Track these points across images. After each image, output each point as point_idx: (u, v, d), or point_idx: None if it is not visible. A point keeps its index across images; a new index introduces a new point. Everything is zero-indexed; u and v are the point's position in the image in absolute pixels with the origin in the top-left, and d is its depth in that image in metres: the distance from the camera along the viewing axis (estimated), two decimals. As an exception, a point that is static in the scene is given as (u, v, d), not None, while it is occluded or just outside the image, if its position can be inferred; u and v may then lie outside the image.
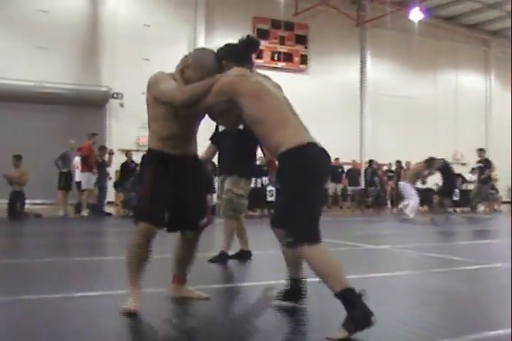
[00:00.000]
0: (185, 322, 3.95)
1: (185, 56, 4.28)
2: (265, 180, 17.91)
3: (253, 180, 17.12)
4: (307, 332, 3.69)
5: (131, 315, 3.91)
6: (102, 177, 16.78)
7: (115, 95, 21.23)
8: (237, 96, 3.81)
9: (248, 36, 4.20)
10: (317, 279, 3.66)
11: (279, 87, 4.19)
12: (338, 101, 25.84)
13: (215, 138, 7.05)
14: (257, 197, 16.82)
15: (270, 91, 3.91)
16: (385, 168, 23.25)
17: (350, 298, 3.50)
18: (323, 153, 3.89)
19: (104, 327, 3.74)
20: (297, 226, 3.67)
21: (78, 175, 16.57)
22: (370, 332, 3.41)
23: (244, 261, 6.88)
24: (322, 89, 25.31)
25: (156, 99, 4.11)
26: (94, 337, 3.49)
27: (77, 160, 16.49)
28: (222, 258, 6.71)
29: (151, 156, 4.26)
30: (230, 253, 6.85)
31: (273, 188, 17.69)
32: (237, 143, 6.66)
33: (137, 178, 4.38)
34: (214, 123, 6.72)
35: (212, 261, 6.63)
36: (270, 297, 4.39)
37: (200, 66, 4.11)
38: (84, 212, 16.16)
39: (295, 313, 4.16)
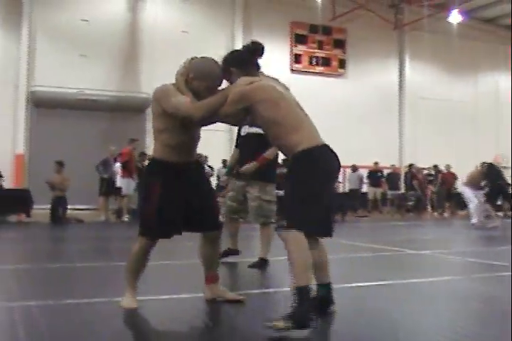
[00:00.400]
0: (222, 326, 3.99)
1: (184, 64, 4.46)
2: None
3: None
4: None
5: (132, 312, 4.24)
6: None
7: (155, 101, 21.41)
8: (253, 103, 3.97)
9: (253, 42, 4.38)
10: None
11: (287, 89, 4.33)
12: (377, 105, 25.70)
13: (238, 141, 7.11)
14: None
15: (284, 96, 4.09)
16: (426, 172, 23.08)
17: (303, 297, 3.59)
18: (334, 155, 4.08)
19: (145, 330, 3.81)
20: (299, 214, 3.79)
21: (119, 181, 16.72)
22: (409, 337, 3.41)
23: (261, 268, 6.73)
24: (361, 93, 25.20)
25: (166, 111, 4.21)
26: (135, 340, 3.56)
27: (117, 166, 16.66)
28: (261, 264, 6.75)
29: (156, 167, 4.40)
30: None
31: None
32: (260, 148, 6.65)
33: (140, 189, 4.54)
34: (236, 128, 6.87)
35: (252, 266, 6.69)
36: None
37: (205, 76, 4.28)
38: (125, 218, 16.29)
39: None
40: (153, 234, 4.34)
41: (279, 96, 4.04)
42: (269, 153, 6.67)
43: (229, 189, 7.19)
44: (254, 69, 4.30)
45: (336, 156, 4.10)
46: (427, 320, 4.01)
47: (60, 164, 16.03)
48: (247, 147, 6.91)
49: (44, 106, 20.38)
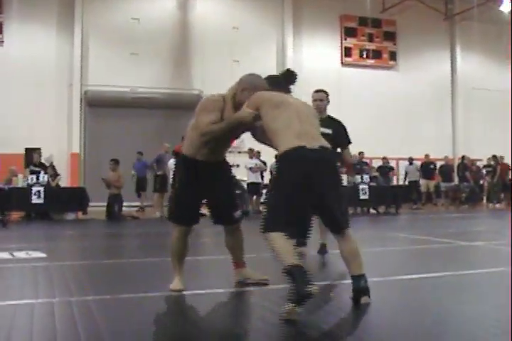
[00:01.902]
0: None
1: (240, 80, 4.81)
2: (358, 178, 17.80)
3: (345, 177, 17.19)
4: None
5: (180, 292, 4.71)
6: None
7: (207, 98, 21.55)
8: (259, 107, 4.38)
9: (288, 70, 4.91)
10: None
11: (306, 106, 4.66)
12: (429, 96, 25.43)
13: None
14: (350, 195, 16.76)
15: (283, 103, 4.38)
16: (484, 163, 22.76)
17: (292, 274, 3.81)
18: (318, 157, 4.18)
19: (197, 323, 3.88)
20: (266, 215, 4.15)
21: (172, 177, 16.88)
22: (462, 326, 3.41)
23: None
24: (412, 85, 24.97)
25: None
26: (191, 334, 3.62)
27: (171, 162, 16.79)
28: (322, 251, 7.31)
29: (183, 162, 4.89)
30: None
31: (366, 186, 17.60)
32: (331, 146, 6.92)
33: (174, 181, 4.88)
34: None
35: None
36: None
37: (254, 86, 4.64)
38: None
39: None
40: (177, 220, 4.99)
41: (278, 101, 4.37)
42: (349, 159, 7.54)
43: None
44: (283, 91, 4.67)
45: (325, 157, 4.25)
46: (479, 311, 3.98)
47: (116, 162, 16.24)
48: None
49: (98, 106, 20.72)
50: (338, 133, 7.19)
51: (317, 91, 7.42)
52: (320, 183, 4.13)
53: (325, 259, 7.10)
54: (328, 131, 6.93)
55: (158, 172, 16.77)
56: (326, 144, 4.31)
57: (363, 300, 4.26)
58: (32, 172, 16.19)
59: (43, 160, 16.90)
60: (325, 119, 7.13)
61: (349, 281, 4.34)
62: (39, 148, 17.38)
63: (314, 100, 7.31)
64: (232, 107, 4.65)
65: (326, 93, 7.39)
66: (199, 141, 4.69)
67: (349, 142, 7.40)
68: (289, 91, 4.74)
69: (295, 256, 3.95)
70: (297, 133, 4.20)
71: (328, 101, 7.43)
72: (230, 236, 5.14)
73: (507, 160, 22.12)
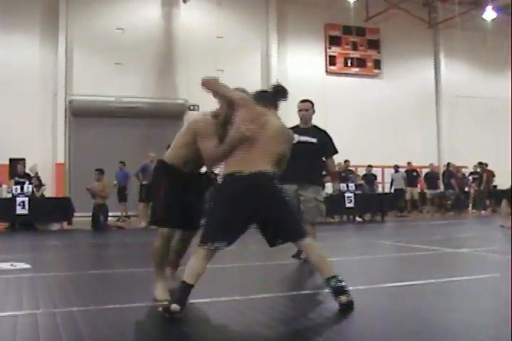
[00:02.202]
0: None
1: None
2: (343, 186, 17.85)
3: (330, 186, 17.21)
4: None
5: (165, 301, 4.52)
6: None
7: (192, 107, 21.56)
8: (239, 106, 4.75)
9: (278, 85, 5.00)
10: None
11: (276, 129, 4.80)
12: (414, 104, 25.56)
13: None
14: (336, 203, 16.81)
15: (253, 121, 4.65)
16: (470, 170, 22.90)
17: (182, 292, 4.20)
18: (254, 183, 4.47)
19: (189, 333, 3.86)
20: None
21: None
22: (449, 332, 3.40)
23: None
24: (397, 93, 25.11)
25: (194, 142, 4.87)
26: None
27: (156, 172, 16.77)
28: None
29: (166, 169, 5.11)
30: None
31: (351, 195, 17.65)
32: (312, 155, 7.34)
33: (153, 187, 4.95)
34: None
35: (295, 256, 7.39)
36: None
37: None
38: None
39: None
40: (160, 222, 5.10)
41: (253, 118, 4.66)
42: (333, 165, 7.76)
43: None
44: (271, 106, 4.88)
45: (260, 184, 4.49)
46: (467, 318, 3.99)
47: (101, 172, 16.20)
48: (298, 154, 7.01)
49: (82, 115, 20.68)
50: (324, 143, 7.36)
51: (302, 101, 7.53)
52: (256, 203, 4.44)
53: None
54: (314, 140, 7.24)
55: (144, 182, 16.71)
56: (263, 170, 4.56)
57: (344, 299, 4.34)
58: (16, 183, 16.12)
59: (27, 171, 16.84)
60: (310, 129, 7.38)
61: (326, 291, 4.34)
62: (23, 159, 17.32)
63: (299, 110, 7.47)
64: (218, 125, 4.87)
65: (312, 103, 7.49)
66: (187, 157, 5.00)
67: (335, 151, 7.55)
68: (275, 107, 4.89)
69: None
70: (243, 158, 4.56)
71: (314, 111, 7.53)
72: (182, 242, 5.30)
73: (495, 167, 22.25)
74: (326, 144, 7.42)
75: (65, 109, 20.70)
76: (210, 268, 4.55)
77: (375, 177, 21.06)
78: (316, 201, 7.35)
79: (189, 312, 4.53)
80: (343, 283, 4.42)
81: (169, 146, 5.36)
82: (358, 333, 3.86)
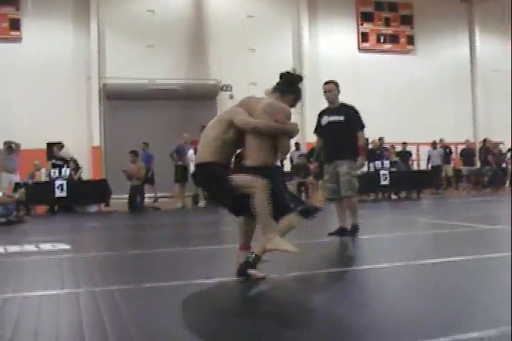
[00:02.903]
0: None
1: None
2: (378, 164, 17.76)
3: (366, 164, 17.25)
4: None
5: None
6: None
7: (224, 87, 21.60)
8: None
9: (286, 72, 5.19)
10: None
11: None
12: (448, 80, 25.25)
13: (319, 130, 7.96)
14: (371, 181, 16.77)
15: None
16: (508, 146, 22.59)
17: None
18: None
19: (226, 313, 3.92)
20: None
21: (192, 167, 16.95)
22: (486, 309, 3.40)
23: (351, 235, 7.57)
24: (431, 69, 24.83)
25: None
26: (216, 322, 3.67)
27: (191, 152, 16.84)
28: (355, 231, 7.63)
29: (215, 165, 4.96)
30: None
31: (386, 172, 17.57)
32: (343, 132, 7.60)
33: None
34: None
35: (331, 234, 7.56)
36: None
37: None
38: (201, 204, 16.50)
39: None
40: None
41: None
42: (362, 140, 7.68)
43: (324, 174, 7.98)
44: (277, 92, 5.16)
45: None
46: (502, 294, 3.98)
47: (135, 154, 16.33)
48: (331, 134, 7.74)
49: (116, 98, 20.83)
50: (351, 119, 7.60)
51: (326, 83, 7.81)
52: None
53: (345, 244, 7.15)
54: (341, 118, 7.56)
55: (178, 163, 16.80)
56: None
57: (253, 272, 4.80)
58: (54, 166, 16.34)
59: (62, 155, 17.03)
60: (338, 108, 7.68)
61: (364, 267, 4.34)
62: (60, 143, 17.50)
63: (324, 92, 7.75)
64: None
65: (335, 83, 7.73)
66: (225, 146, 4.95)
67: (362, 126, 7.71)
68: (282, 93, 5.11)
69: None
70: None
71: (339, 91, 7.76)
72: (250, 221, 5.15)
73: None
74: (353, 120, 7.64)
75: (99, 93, 20.88)
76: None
77: (410, 154, 20.88)
78: (349, 175, 7.56)
79: (226, 289, 4.60)
80: (255, 259, 4.77)
81: (203, 126, 5.38)
82: (392, 309, 3.87)
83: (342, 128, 7.57)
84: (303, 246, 7.36)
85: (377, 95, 23.22)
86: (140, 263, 6.33)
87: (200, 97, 21.41)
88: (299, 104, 5.45)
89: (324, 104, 7.84)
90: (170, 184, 17.40)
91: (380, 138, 19.16)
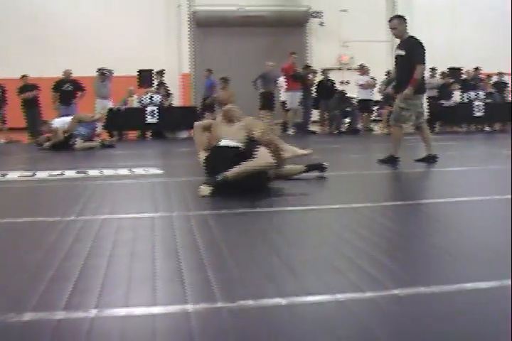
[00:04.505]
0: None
1: None
2: (472, 94, 17.27)
3: (459, 94, 16.84)
4: None
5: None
6: (307, 96, 16.91)
7: (314, 14, 21.20)
8: None
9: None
10: None
11: None
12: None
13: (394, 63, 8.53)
14: (464, 112, 16.40)
15: None
16: None
17: None
18: None
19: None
20: None
21: (283, 95, 16.89)
22: None
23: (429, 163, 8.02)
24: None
25: None
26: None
27: (281, 80, 16.74)
28: (391, 161, 8.06)
29: None
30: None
31: (481, 103, 17.10)
32: (404, 65, 8.02)
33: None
34: None
35: (382, 161, 8.09)
36: None
37: None
38: (290, 131, 16.49)
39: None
40: None
41: None
42: (417, 73, 7.82)
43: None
44: None
45: None
46: None
47: (225, 80, 16.37)
48: (396, 67, 8.44)
49: (206, 26, 20.79)
50: (411, 53, 7.88)
51: (390, 20, 8.20)
52: None
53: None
54: (402, 52, 7.96)
55: (260, 90, 16.63)
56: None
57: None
58: (146, 93, 16.65)
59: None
60: (403, 42, 8.09)
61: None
62: (151, 70, 17.69)
63: (390, 29, 8.19)
64: None
65: (398, 19, 8.09)
66: None
67: (419, 61, 7.90)
68: None
69: None
70: None
71: (404, 26, 8.05)
72: None
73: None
74: (412, 54, 7.87)
75: (189, 20, 20.87)
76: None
77: (505, 84, 20.10)
78: (397, 106, 8.08)
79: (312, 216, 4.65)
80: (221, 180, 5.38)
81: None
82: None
83: (403, 61, 7.99)
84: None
85: (474, 25, 22.25)
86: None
87: (289, 24, 21.13)
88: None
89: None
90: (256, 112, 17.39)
91: (476, 68, 18.52)
